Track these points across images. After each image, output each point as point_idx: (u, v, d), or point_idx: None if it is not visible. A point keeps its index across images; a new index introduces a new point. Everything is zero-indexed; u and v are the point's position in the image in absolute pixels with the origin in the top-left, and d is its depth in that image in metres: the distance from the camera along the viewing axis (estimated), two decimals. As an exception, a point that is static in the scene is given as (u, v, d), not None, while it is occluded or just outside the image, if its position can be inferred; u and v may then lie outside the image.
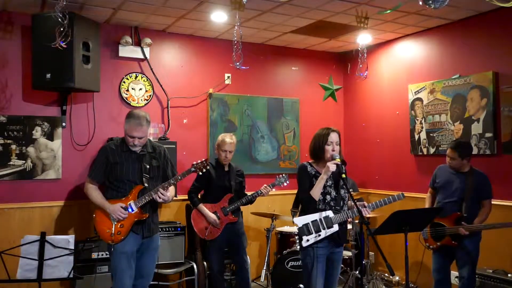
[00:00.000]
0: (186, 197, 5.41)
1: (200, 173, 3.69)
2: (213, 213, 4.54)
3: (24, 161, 4.75)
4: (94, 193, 3.62)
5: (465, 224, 4.00)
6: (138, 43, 5.33)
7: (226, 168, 4.69)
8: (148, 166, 3.65)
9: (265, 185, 4.66)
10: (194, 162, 3.67)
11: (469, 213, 4.05)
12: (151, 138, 3.84)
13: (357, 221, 4.79)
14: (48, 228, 4.72)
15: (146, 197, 3.55)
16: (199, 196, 4.73)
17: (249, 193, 4.74)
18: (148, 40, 5.31)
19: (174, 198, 3.85)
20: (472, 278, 4.09)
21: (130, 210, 3.53)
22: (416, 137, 5.52)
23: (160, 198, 3.55)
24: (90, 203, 3.75)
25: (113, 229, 3.51)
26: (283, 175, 4.74)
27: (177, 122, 5.55)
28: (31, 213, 4.76)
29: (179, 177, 3.62)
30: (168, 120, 5.48)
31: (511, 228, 3.99)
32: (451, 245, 4.08)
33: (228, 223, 4.59)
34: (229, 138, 4.60)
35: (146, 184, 3.61)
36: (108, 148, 3.64)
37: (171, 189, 3.68)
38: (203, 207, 4.56)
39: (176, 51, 5.62)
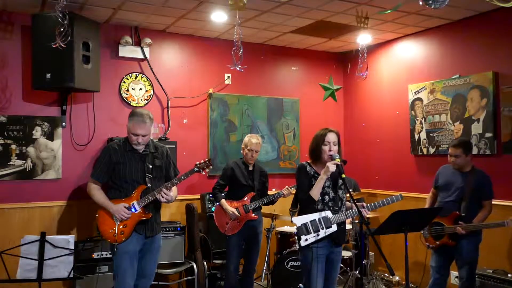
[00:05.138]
0: (185, 197, 5.44)
1: (203, 173, 3.71)
2: (234, 208, 4.62)
3: (24, 161, 4.75)
4: (97, 193, 3.61)
5: (462, 224, 4.01)
6: (138, 43, 5.33)
7: (251, 168, 4.78)
8: (151, 166, 3.64)
9: (286, 186, 4.72)
10: (197, 162, 3.67)
11: (468, 213, 4.05)
12: (151, 138, 3.84)
13: (357, 221, 4.79)
14: (48, 228, 4.72)
15: (149, 197, 3.54)
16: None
17: (270, 194, 4.81)
18: (148, 40, 5.31)
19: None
20: (472, 279, 4.09)
21: (133, 210, 3.53)
22: (416, 137, 5.52)
23: (163, 198, 3.55)
24: (90, 203, 3.74)
25: (116, 229, 3.51)
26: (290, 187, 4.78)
27: (177, 122, 5.55)
28: (31, 213, 4.76)
29: (183, 177, 3.62)
30: (168, 120, 5.48)
31: (510, 227, 3.99)
32: (449, 244, 4.08)
33: (249, 220, 4.65)
34: (255, 139, 4.71)
35: (149, 184, 3.60)
36: (111, 148, 3.63)
37: (174, 189, 3.68)
38: (224, 202, 4.65)
39: (176, 51, 5.62)
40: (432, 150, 5.33)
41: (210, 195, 5.29)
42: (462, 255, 4.05)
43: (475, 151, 4.76)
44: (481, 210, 4.09)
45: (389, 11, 4.53)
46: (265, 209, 4.92)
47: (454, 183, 4.17)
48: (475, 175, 4.12)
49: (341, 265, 4.18)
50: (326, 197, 3.44)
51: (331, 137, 3.46)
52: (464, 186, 4.09)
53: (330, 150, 3.43)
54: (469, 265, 4.05)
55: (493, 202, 4.15)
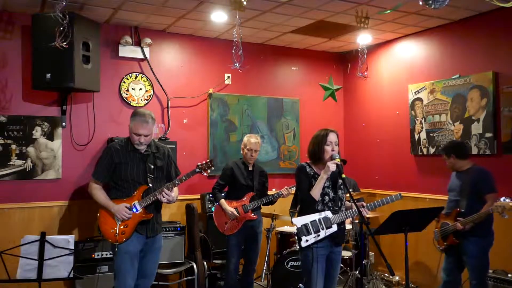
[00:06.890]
0: (186, 197, 5.44)
1: (205, 174, 3.71)
2: (233, 208, 4.62)
3: (24, 161, 4.75)
4: (98, 193, 3.61)
5: (460, 219, 3.99)
6: (138, 43, 5.33)
7: (250, 168, 4.79)
8: (152, 166, 3.64)
9: (286, 187, 4.73)
10: (199, 163, 3.67)
11: (469, 209, 4.00)
12: (153, 138, 3.84)
13: (357, 221, 4.79)
14: (48, 228, 4.71)
15: (151, 197, 3.54)
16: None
17: (270, 194, 4.81)
18: (148, 40, 5.31)
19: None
20: (482, 283, 4.00)
21: (134, 210, 3.53)
22: (416, 137, 5.52)
23: (164, 198, 3.55)
24: (90, 203, 3.75)
25: (117, 229, 3.51)
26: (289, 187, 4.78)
27: (177, 122, 5.55)
28: (31, 213, 4.76)
29: (184, 178, 3.62)
30: (168, 120, 5.48)
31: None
32: (454, 243, 4.04)
33: (248, 220, 4.65)
34: (254, 138, 4.72)
35: (150, 184, 3.60)
36: (113, 148, 3.63)
37: (175, 189, 3.68)
38: (223, 202, 4.66)
39: (176, 51, 5.62)
40: (432, 150, 5.33)
41: (210, 195, 5.29)
42: (468, 258, 4.00)
43: (475, 151, 4.77)
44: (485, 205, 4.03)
45: (389, 11, 4.54)
46: (265, 209, 4.92)
47: (455, 184, 4.20)
48: (471, 172, 4.11)
49: (341, 265, 4.17)
50: (326, 197, 3.44)
51: (333, 138, 3.48)
52: (462, 184, 4.10)
53: (332, 150, 3.44)
54: (477, 269, 3.98)
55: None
